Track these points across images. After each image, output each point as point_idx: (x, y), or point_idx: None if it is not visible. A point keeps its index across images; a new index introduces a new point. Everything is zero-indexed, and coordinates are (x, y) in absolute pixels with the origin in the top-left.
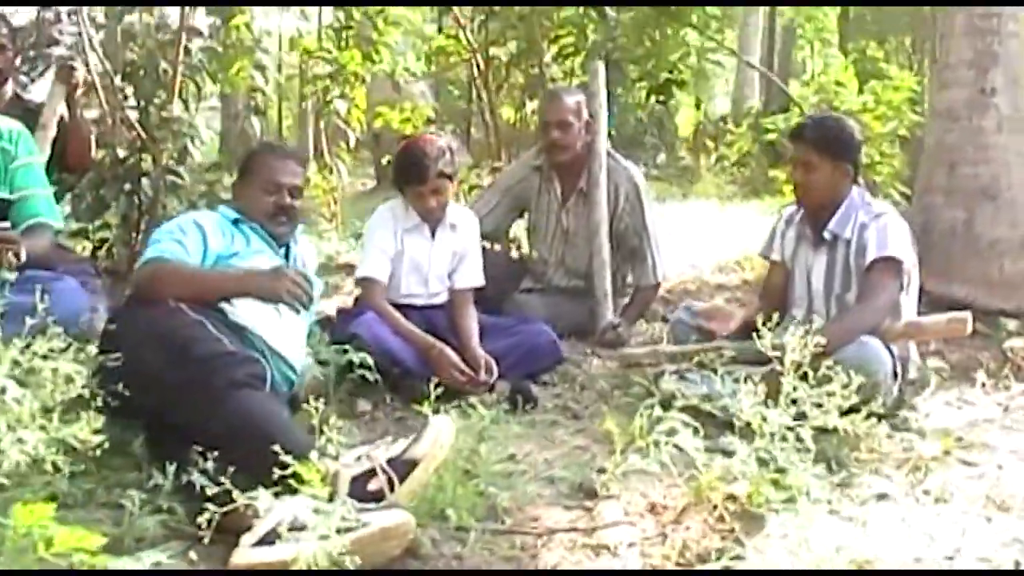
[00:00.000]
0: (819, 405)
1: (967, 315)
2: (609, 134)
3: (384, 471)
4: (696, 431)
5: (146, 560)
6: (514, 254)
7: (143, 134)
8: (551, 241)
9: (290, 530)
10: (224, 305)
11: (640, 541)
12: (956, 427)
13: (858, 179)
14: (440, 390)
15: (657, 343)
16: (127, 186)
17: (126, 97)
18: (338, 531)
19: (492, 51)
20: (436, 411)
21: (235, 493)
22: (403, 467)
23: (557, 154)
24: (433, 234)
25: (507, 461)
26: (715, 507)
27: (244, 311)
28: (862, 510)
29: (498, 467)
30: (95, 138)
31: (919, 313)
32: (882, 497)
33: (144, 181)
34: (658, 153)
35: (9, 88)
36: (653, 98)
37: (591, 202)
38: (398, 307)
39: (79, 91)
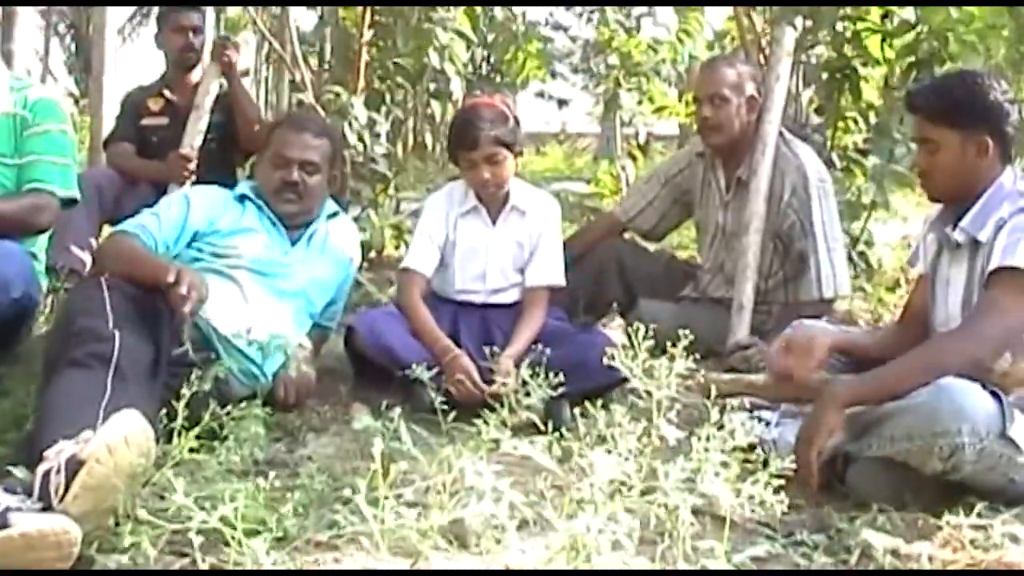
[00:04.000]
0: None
1: None
2: (851, 121)
3: (58, 470)
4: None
5: None
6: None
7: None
8: (710, 241)
9: None
10: None
11: None
12: None
13: (1009, 156)
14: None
15: None
16: None
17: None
18: None
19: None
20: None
21: None
22: (73, 467)
23: (709, 135)
24: (494, 220)
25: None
26: None
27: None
28: None
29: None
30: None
31: None
32: None
33: None
34: (896, 145)
35: (199, 72)
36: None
37: (750, 195)
38: (455, 304)
39: (236, 71)
